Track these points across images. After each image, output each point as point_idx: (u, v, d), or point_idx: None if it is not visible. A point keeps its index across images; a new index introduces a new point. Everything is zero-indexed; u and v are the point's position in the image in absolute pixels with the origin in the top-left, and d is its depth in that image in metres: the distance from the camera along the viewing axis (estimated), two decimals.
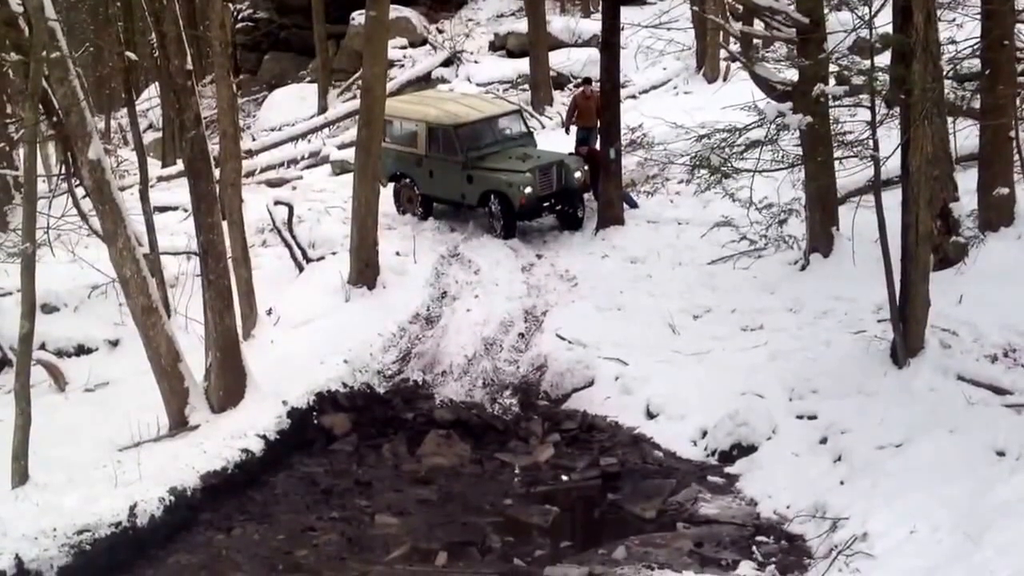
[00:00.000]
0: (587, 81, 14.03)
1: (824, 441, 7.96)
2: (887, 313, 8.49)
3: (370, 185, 11.37)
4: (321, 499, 8.15)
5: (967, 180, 10.03)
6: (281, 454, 8.72)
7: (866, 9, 8.04)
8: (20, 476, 7.79)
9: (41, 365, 9.99)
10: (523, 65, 19.08)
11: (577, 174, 12.59)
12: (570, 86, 17.86)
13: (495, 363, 10.17)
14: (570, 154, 13.02)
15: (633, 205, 12.84)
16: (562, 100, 17.90)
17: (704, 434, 8.57)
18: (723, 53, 17.28)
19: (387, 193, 13.01)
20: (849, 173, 10.18)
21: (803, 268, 10.64)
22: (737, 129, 10.23)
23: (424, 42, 21.64)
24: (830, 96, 8.78)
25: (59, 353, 10.76)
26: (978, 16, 9.63)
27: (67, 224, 10.41)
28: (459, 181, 12.65)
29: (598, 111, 12.92)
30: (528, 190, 12.16)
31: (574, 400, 9.55)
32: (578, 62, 19.18)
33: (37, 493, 7.57)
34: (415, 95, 15.65)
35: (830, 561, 6.38)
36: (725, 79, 17.43)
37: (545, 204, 12.52)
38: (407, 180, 13.29)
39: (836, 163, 10.20)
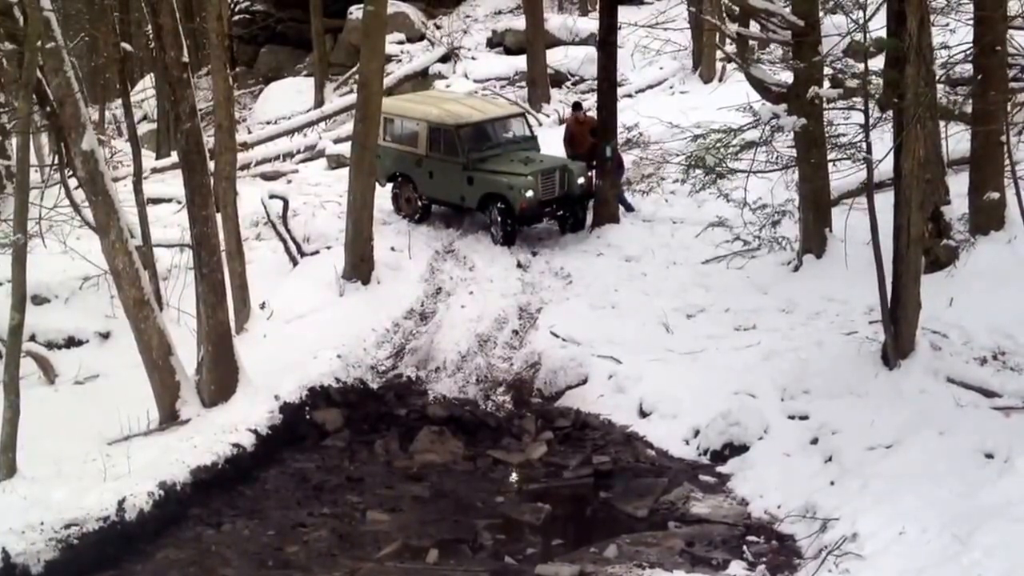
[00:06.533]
0: (577, 106, 13.32)
1: (815, 441, 8.00)
2: (878, 315, 8.53)
3: (366, 180, 11.34)
4: (312, 495, 8.13)
5: (958, 184, 10.09)
6: (272, 449, 8.69)
7: (860, 13, 8.06)
8: (8, 469, 7.76)
9: (31, 357, 9.94)
10: (520, 62, 19.06)
11: (580, 180, 12.36)
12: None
13: (489, 360, 10.17)
14: (573, 159, 12.68)
15: (630, 209, 12.71)
16: (559, 98, 17.89)
17: (696, 433, 8.58)
18: (719, 54, 17.27)
19: (382, 188, 12.94)
20: (842, 175, 10.21)
21: (796, 269, 10.68)
22: (732, 130, 10.25)
23: (422, 38, 21.60)
24: (824, 98, 8.82)
25: (49, 345, 10.70)
26: (971, 22, 9.68)
27: (59, 215, 10.35)
28: (459, 183, 12.46)
29: (593, 134, 12.55)
30: (529, 194, 11.93)
31: (567, 398, 9.55)
32: (575, 60, 19.19)
33: (25, 486, 7.53)
34: (417, 94, 15.49)
35: (820, 561, 6.41)
36: (721, 80, 17.48)
37: (546, 209, 12.29)
38: (407, 181, 13.01)
39: (829, 165, 10.24)
